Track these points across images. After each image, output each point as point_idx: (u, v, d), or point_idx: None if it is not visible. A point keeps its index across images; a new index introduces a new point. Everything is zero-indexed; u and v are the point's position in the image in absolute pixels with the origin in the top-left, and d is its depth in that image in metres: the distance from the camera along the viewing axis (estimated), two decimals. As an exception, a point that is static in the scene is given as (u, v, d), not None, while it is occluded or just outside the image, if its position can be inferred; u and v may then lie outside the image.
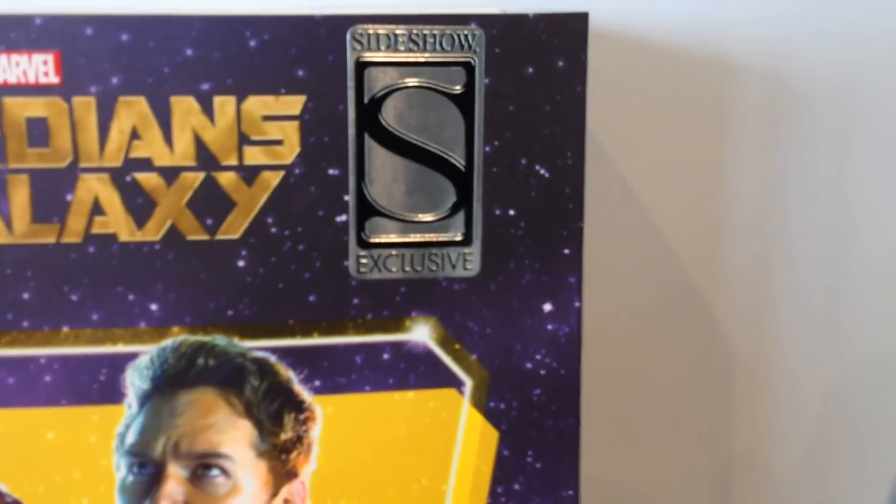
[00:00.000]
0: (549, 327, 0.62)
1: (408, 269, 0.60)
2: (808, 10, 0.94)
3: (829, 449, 1.07)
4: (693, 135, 0.94)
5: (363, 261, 0.59)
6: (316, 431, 0.61)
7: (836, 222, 0.99)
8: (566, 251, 0.61)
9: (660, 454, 1.02)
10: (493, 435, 0.63)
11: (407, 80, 0.57)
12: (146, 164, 0.56)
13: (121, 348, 0.58)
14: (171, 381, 0.59)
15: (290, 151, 0.57)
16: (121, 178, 0.56)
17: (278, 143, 0.57)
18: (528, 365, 0.62)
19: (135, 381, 0.59)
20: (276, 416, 0.60)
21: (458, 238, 0.60)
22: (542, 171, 0.60)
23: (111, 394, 0.59)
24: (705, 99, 0.95)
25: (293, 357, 0.60)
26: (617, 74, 0.91)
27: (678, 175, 0.95)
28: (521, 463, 0.63)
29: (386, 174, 0.58)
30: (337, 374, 0.60)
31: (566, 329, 0.62)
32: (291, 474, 0.61)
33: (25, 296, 0.57)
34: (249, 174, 0.57)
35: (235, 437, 0.60)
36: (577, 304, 0.62)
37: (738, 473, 1.09)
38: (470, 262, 0.60)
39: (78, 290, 0.57)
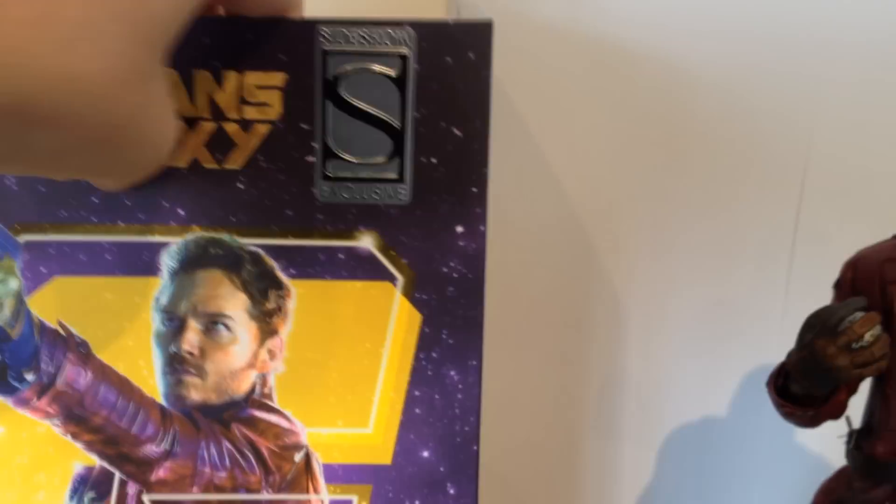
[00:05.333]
0: (461, 243, 0.88)
1: (358, 196, 0.86)
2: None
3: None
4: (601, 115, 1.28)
5: (325, 190, 0.85)
6: (291, 304, 0.89)
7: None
8: (474, 189, 0.86)
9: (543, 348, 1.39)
10: (418, 317, 0.89)
11: (359, 65, 0.82)
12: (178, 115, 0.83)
13: (157, 238, 0.86)
14: (191, 262, 0.87)
15: (275, 111, 0.83)
16: (159, 123, 0.83)
17: (267, 105, 0.83)
18: (444, 269, 0.88)
19: (167, 261, 0.87)
20: (263, 291, 0.88)
21: (395, 177, 0.85)
22: (457, 132, 0.85)
23: (151, 269, 0.87)
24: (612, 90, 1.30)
25: (276, 252, 0.87)
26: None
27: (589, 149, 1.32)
28: (438, 338, 0.90)
29: (343, 130, 0.84)
30: (306, 265, 0.87)
31: (473, 245, 0.88)
32: (273, 332, 0.89)
33: (95, 200, 0.84)
34: (247, 125, 0.83)
35: (235, 304, 0.88)
36: (482, 228, 0.87)
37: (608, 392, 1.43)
38: (403, 195, 0.86)
39: (130, 196, 0.84)
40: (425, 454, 0.95)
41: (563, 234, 1.26)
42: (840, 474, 1.06)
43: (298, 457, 0.94)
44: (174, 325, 0.90)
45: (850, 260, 1.02)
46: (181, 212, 0.87)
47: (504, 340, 1.32)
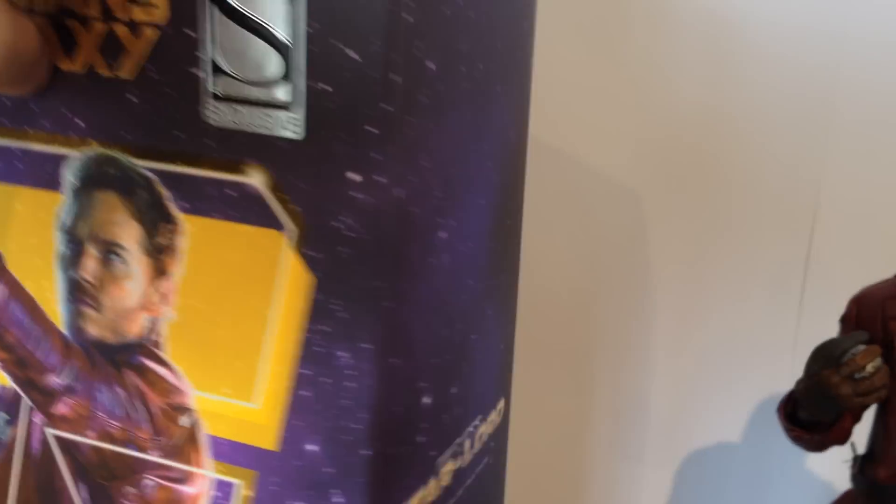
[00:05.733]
0: (356, 195, 0.72)
1: (246, 122, 0.74)
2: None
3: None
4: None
5: (213, 109, 0.74)
6: (182, 243, 0.78)
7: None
8: (371, 129, 0.71)
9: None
10: (308, 279, 0.75)
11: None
12: (71, 13, 0.76)
13: (61, 150, 0.80)
14: (90, 181, 0.80)
15: (162, 14, 0.74)
16: (56, 22, 0.76)
17: (153, 5, 0.74)
18: (337, 225, 0.74)
19: (69, 177, 0.81)
20: (154, 223, 0.79)
21: (284, 103, 0.72)
22: (352, 55, 0.70)
23: (55, 183, 0.81)
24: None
25: (167, 180, 0.78)
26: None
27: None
28: (329, 309, 0.76)
29: (232, 42, 0.73)
30: (196, 198, 0.77)
31: (371, 200, 0.72)
32: (164, 272, 0.80)
33: (7, 102, 0.80)
34: (135, 28, 0.75)
35: (129, 234, 0.80)
36: (381, 180, 0.71)
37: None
38: (293, 126, 0.73)
39: (36, 102, 0.79)
40: (312, 448, 0.79)
41: (587, 266, 1.35)
42: (845, 497, 1.10)
43: (185, 421, 0.83)
44: (75, 248, 0.83)
45: (855, 296, 1.05)
46: (80, 122, 0.80)
47: (528, 362, 1.23)
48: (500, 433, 1.04)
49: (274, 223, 0.76)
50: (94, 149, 0.80)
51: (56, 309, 0.85)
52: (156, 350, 0.83)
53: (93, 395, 0.85)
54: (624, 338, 1.37)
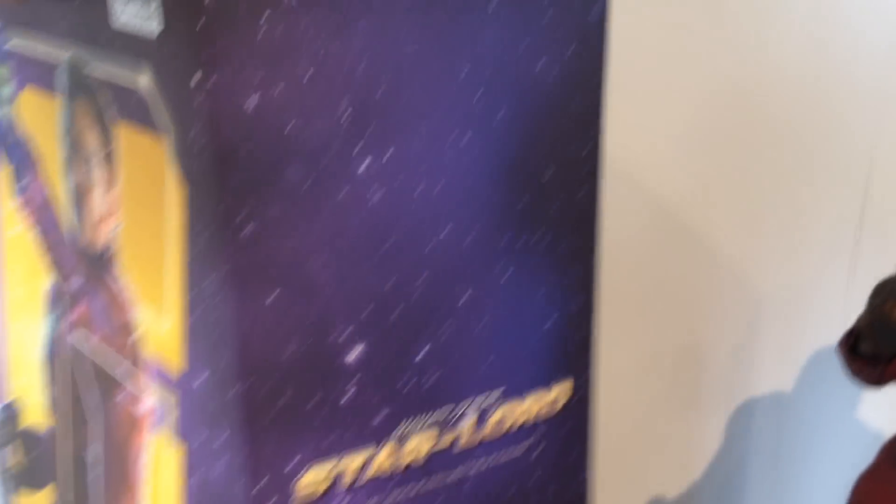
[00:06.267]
0: (198, 99, 0.65)
1: (134, 18, 0.69)
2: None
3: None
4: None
5: (114, 8, 0.71)
6: (118, 150, 0.76)
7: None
8: (201, 22, 0.63)
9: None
10: (183, 193, 0.69)
11: None
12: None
13: (59, 56, 0.81)
14: (71, 86, 0.81)
15: None
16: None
17: None
18: (192, 133, 0.66)
19: (60, 85, 0.82)
20: (105, 130, 0.78)
21: (146, -7, 0.67)
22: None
23: (55, 88, 0.83)
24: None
25: (106, 86, 0.75)
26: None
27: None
28: (197, 229, 0.68)
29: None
30: (120, 105, 0.74)
31: (207, 105, 0.65)
32: (114, 182, 0.78)
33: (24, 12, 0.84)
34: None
35: (94, 141, 0.80)
36: (216, 81, 0.63)
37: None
38: (154, 18, 0.67)
39: (36, 9, 0.81)
40: (203, 377, 0.72)
41: (649, 222, 1.30)
42: None
43: (132, 338, 0.81)
44: (70, 154, 0.84)
45: None
46: (59, 30, 0.80)
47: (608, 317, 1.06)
48: (567, 419, 0.85)
49: (161, 129, 0.70)
50: (68, 55, 0.80)
51: (68, 215, 0.87)
52: (115, 263, 0.81)
53: (92, 302, 0.86)
54: (684, 289, 1.37)
